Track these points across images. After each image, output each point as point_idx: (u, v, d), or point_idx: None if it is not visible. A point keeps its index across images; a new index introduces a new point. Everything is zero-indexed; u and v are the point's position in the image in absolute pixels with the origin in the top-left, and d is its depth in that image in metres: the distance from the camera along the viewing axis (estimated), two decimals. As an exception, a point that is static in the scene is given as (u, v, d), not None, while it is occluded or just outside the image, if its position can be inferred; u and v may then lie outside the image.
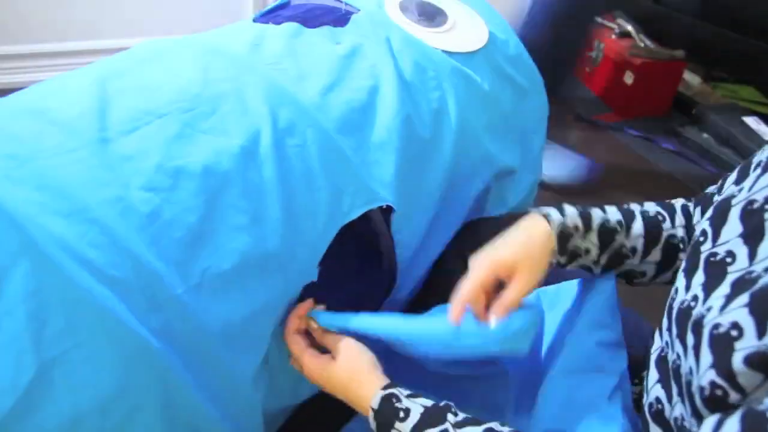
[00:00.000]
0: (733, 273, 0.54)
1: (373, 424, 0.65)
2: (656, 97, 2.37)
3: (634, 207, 0.78)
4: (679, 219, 0.77)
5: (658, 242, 0.75)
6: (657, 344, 0.65)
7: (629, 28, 2.41)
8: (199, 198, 0.64)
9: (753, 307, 0.48)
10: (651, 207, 0.78)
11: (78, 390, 0.55)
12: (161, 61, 0.76)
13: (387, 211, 0.82)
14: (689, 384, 0.52)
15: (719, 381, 0.48)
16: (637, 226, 0.75)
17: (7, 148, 0.59)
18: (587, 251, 0.75)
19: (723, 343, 0.48)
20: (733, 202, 0.59)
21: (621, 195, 1.92)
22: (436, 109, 0.88)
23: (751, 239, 0.54)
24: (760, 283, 0.50)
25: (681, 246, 0.75)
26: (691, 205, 0.78)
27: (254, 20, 0.94)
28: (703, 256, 0.58)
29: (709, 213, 0.62)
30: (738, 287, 0.52)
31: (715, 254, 0.57)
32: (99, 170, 0.60)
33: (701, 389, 0.49)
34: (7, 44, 2.04)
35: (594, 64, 2.50)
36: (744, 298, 0.50)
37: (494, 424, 0.61)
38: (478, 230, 0.96)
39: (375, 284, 0.93)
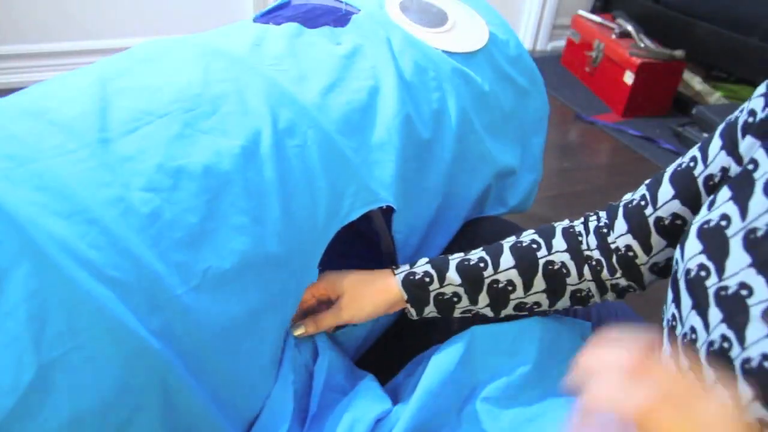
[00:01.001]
0: (756, 306, 0.51)
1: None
2: (656, 97, 2.37)
3: (507, 240, 0.77)
4: (558, 244, 0.75)
5: (536, 271, 0.74)
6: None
7: (629, 28, 2.41)
8: (200, 198, 0.64)
9: None
10: (527, 236, 0.77)
11: (78, 391, 0.55)
12: (162, 61, 0.75)
13: (387, 212, 0.82)
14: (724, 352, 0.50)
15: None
16: (506, 259, 0.74)
17: (7, 148, 0.59)
18: (457, 296, 0.75)
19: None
20: (728, 233, 0.56)
21: (621, 195, 1.92)
22: (436, 109, 0.88)
23: (765, 268, 0.52)
24: None
25: (564, 271, 0.74)
26: (579, 224, 0.76)
27: (254, 20, 0.94)
28: (711, 291, 0.55)
29: (698, 246, 0.58)
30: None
31: (725, 288, 0.54)
32: (99, 171, 0.60)
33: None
34: (7, 44, 2.04)
35: (594, 64, 2.50)
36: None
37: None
38: (478, 230, 0.96)
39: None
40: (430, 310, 0.77)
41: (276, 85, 0.75)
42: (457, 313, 0.77)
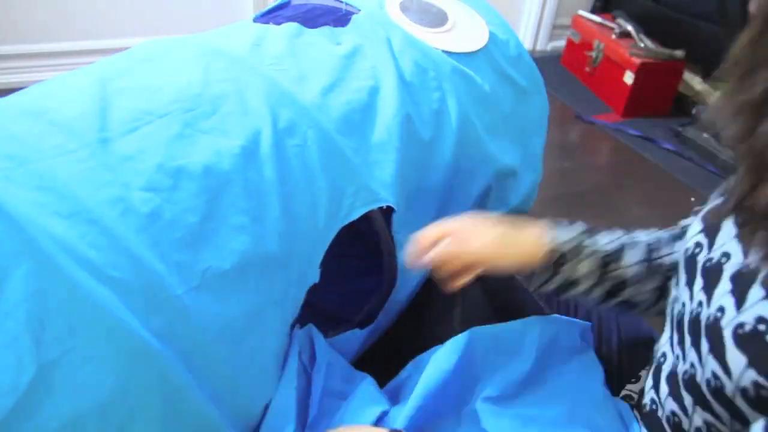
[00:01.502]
0: (729, 269, 0.53)
1: None
2: (656, 97, 2.37)
3: (639, 235, 0.76)
4: (677, 244, 0.74)
5: (654, 270, 0.73)
6: (669, 359, 0.64)
7: (629, 28, 2.41)
8: (200, 198, 0.64)
9: None
10: (654, 234, 0.76)
11: (78, 391, 0.54)
12: (162, 61, 0.75)
13: (388, 212, 0.82)
14: (717, 390, 0.51)
15: (762, 380, 0.47)
16: (635, 255, 0.73)
17: (8, 148, 0.59)
18: (577, 281, 0.74)
19: (754, 341, 0.47)
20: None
21: (621, 195, 1.92)
22: (436, 109, 0.88)
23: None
24: (764, 272, 0.49)
25: (669, 273, 0.73)
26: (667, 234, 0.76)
27: (254, 20, 0.94)
28: (699, 265, 0.58)
29: (698, 226, 0.61)
30: (740, 281, 0.51)
31: (710, 259, 0.56)
32: (99, 171, 0.60)
33: (743, 390, 0.48)
34: (7, 44, 2.04)
35: (594, 64, 2.50)
36: (757, 291, 0.48)
37: None
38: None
39: (376, 284, 0.93)
40: (554, 285, 0.75)
41: (276, 85, 0.74)
42: (571, 293, 0.75)
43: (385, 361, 0.87)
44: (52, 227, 0.55)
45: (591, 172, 2.06)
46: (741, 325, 0.49)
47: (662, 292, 0.73)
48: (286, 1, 1.02)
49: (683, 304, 0.60)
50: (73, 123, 0.63)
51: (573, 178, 1.99)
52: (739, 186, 0.39)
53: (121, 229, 0.58)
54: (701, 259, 0.58)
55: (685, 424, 0.58)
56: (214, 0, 2.22)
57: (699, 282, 0.57)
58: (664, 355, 0.64)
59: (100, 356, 0.55)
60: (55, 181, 0.58)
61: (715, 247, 0.57)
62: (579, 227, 0.75)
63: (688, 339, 0.56)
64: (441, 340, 0.83)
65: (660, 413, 0.62)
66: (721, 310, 0.51)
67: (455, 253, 0.72)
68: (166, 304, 0.59)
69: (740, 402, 0.49)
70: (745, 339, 0.48)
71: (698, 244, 0.60)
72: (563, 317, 0.81)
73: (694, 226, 0.62)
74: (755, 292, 0.49)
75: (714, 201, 0.62)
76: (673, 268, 0.71)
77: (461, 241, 0.72)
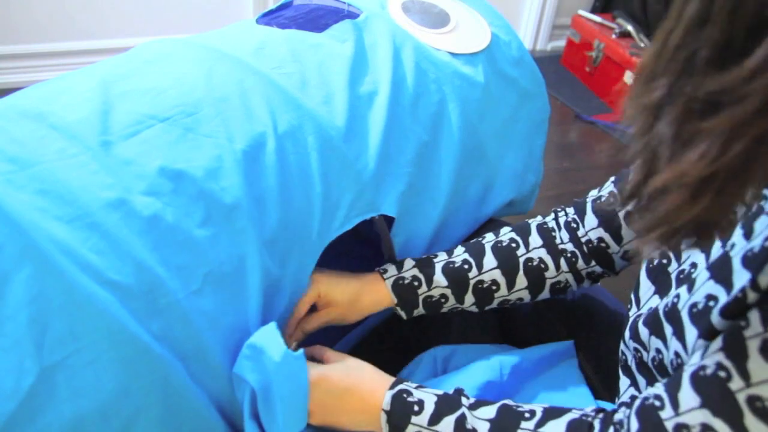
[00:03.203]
0: (695, 275, 0.57)
1: (385, 429, 0.64)
2: (656, 97, 2.37)
3: (486, 240, 0.81)
4: (535, 240, 0.79)
5: (518, 270, 0.78)
6: (628, 353, 0.66)
7: (629, 28, 2.41)
8: (201, 202, 0.63)
9: (714, 274, 0.52)
10: (505, 235, 0.81)
11: (79, 394, 0.55)
12: (164, 63, 0.75)
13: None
14: (678, 367, 0.54)
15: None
16: (489, 260, 0.78)
17: (9, 152, 0.59)
18: (444, 297, 0.79)
19: (704, 314, 0.51)
20: None
21: (621, 195, 1.92)
22: (436, 111, 0.87)
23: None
24: (712, 258, 0.54)
25: (543, 266, 0.78)
26: (551, 220, 0.81)
27: (257, 21, 0.94)
28: (673, 276, 0.61)
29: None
30: (690, 273, 0.56)
31: (683, 270, 0.60)
32: (100, 174, 0.60)
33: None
34: (7, 44, 2.04)
35: (594, 64, 2.50)
36: (704, 273, 0.53)
37: (507, 401, 0.63)
38: (479, 232, 0.96)
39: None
40: (419, 311, 0.80)
41: (279, 89, 0.74)
42: (444, 310, 0.81)
43: (383, 362, 0.87)
44: (54, 231, 0.55)
45: (591, 172, 2.06)
46: (695, 305, 0.53)
47: (536, 288, 0.79)
48: (288, 1, 1.01)
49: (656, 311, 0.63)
50: (75, 126, 0.63)
51: (573, 178, 2.00)
52: (632, 176, 0.43)
53: (123, 233, 0.58)
54: (672, 270, 0.61)
55: None
56: (214, 0, 2.22)
57: (674, 291, 0.60)
58: (623, 353, 0.67)
59: (101, 360, 0.55)
60: (56, 185, 0.57)
61: (682, 258, 0.61)
62: (413, 259, 0.81)
63: (644, 332, 0.60)
64: (439, 340, 0.83)
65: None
66: (677, 296, 0.56)
67: (307, 330, 0.79)
68: (167, 307, 0.59)
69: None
70: (698, 314, 0.52)
71: (663, 255, 0.64)
72: (545, 346, 0.83)
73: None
74: (701, 275, 0.53)
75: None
76: (537, 263, 0.77)
77: (323, 310, 0.79)
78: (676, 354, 0.54)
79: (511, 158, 0.99)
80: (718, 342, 0.47)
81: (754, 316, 0.45)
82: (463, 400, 0.63)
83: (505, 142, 0.98)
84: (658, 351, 0.58)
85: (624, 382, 0.68)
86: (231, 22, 0.99)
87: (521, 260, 0.78)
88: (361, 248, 1.09)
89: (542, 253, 0.78)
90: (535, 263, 0.78)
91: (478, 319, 0.90)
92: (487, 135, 0.93)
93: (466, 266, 0.78)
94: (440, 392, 0.64)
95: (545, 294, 0.80)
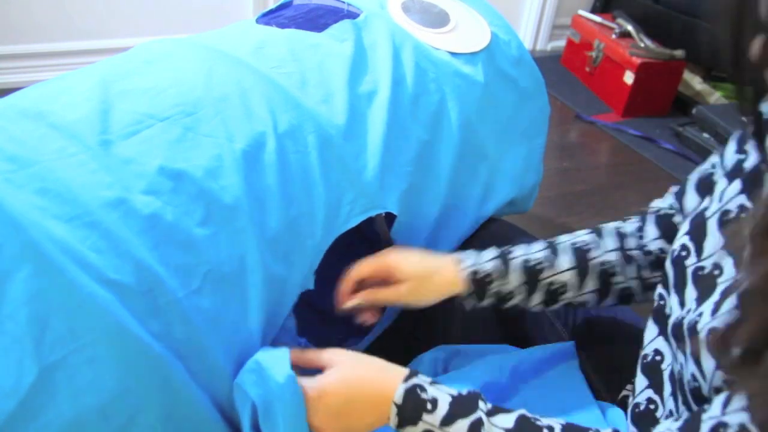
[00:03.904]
0: (722, 284, 0.54)
1: (394, 421, 0.61)
2: (656, 97, 2.37)
3: (563, 239, 0.79)
4: (610, 243, 0.77)
5: (589, 272, 0.76)
6: (667, 358, 0.65)
7: (629, 28, 2.40)
8: (200, 201, 0.64)
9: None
10: (580, 236, 0.79)
11: (79, 393, 0.55)
12: (164, 63, 0.75)
13: (390, 213, 0.82)
14: (696, 390, 0.53)
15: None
16: (564, 260, 0.76)
17: (9, 151, 0.59)
18: (515, 293, 0.76)
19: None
20: (707, 214, 0.60)
21: (621, 195, 1.92)
22: (436, 111, 0.88)
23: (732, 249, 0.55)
24: (745, 284, 0.50)
25: (614, 270, 0.76)
26: (628, 225, 0.79)
27: (257, 20, 0.94)
28: (689, 270, 0.59)
29: (686, 228, 0.63)
30: (725, 292, 0.53)
31: (702, 268, 0.57)
32: (100, 173, 0.60)
33: (717, 390, 0.50)
34: (7, 44, 2.04)
35: (594, 64, 2.50)
36: (733, 299, 0.51)
37: (524, 411, 0.60)
38: (481, 233, 0.96)
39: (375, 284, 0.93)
40: (489, 302, 0.78)
41: (279, 88, 0.74)
42: (509, 305, 0.78)
43: (387, 360, 0.87)
44: (53, 230, 0.55)
45: (591, 172, 2.06)
46: (714, 330, 0.50)
47: (603, 293, 0.77)
48: (288, 1, 1.01)
49: (671, 308, 0.61)
50: (75, 126, 0.63)
51: (573, 178, 1.99)
52: (749, 329, 0.41)
53: (122, 231, 0.58)
54: (690, 264, 0.59)
55: None
56: (214, 0, 2.22)
57: (691, 291, 0.58)
58: (658, 352, 0.65)
59: (101, 358, 0.55)
60: (56, 184, 0.58)
61: (703, 254, 0.58)
62: (493, 250, 0.78)
63: (673, 342, 0.58)
64: (443, 340, 0.83)
65: (659, 413, 0.62)
66: (700, 314, 0.53)
67: (374, 299, 0.76)
68: (167, 306, 0.59)
69: (712, 395, 0.51)
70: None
71: (684, 247, 0.61)
72: (545, 347, 0.82)
73: (683, 226, 0.63)
74: (731, 300, 0.51)
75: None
76: (609, 267, 0.75)
77: (381, 283, 0.76)
78: (693, 377, 0.52)
79: (511, 158, 0.99)
80: (742, 399, 0.45)
81: None
82: (480, 404, 0.60)
83: (505, 141, 0.98)
84: (681, 366, 0.56)
85: (641, 381, 0.66)
86: (231, 22, 0.99)
87: (594, 262, 0.76)
88: (361, 248, 1.09)
89: (614, 256, 0.76)
90: (606, 267, 0.76)
91: (480, 319, 0.90)
92: (486, 134, 0.94)
93: (543, 264, 0.76)
94: (455, 392, 0.61)
95: (611, 299, 0.78)
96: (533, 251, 0.77)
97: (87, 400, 0.55)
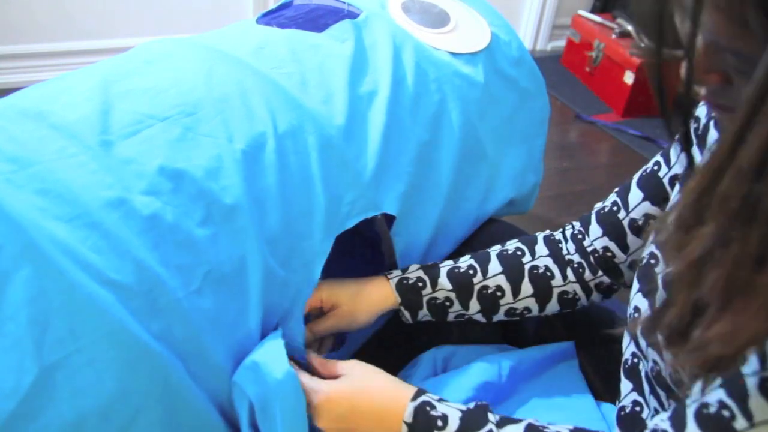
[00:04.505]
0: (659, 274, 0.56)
1: None
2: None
3: (493, 249, 0.81)
4: (541, 249, 0.79)
5: (523, 276, 0.77)
6: (642, 360, 0.65)
7: (629, 28, 2.40)
8: (200, 202, 0.64)
9: (643, 291, 0.53)
10: (511, 245, 0.81)
11: (80, 394, 0.55)
12: (165, 63, 0.75)
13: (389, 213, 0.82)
14: (679, 381, 0.53)
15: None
16: (494, 266, 0.78)
17: (9, 152, 0.59)
18: (449, 300, 0.78)
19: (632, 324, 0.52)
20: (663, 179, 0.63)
21: (621, 195, 1.92)
22: (436, 111, 0.88)
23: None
24: (669, 273, 0.51)
25: (549, 274, 0.77)
26: (558, 233, 0.81)
27: (257, 21, 0.94)
28: (660, 277, 0.59)
29: (652, 238, 0.63)
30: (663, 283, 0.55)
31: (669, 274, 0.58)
32: (100, 174, 0.60)
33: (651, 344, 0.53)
34: (7, 44, 2.04)
35: (594, 64, 2.50)
36: (636, 285, 0.53)
37: (532, 420, 0.61)
38: (482, 233, 0.96)
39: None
40: (424, 314, 0.80)
41: (279, 89, 0.74)
42: (451, 317, 0.80)
43: (385, 360, 0.87)
44: (53, 230, 0.55)
45: (591, 172, 2.06)
46: (630, 315, 0.53)
47: (543, 298, 0.78)
48: (288, 1, 1.01)
49: (638, 310, 0.62)
50: (75, 126, 0.63)
51: (573, 178, 1.99)
52: (674, 312, 0.41)
53: (122, 232, 0.58)
54: (659, 272, 0.60)
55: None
56: (214, 0, 2.22)
57: (662, 295, 0.58)
58: (635, 355, 0.66)
59: (101, 359, 0.55)
60: (56, 184, 0.58)
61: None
62: (416, 264, 0.81)
63: (642, 342, 0.59)
64: (439, 341, 0.83)
65: (645, 414, 0.63)
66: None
67: (317, 330, 0.79)
68: (167, 307, 0.59)
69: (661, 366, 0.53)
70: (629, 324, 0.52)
71: (653, 256, 0.62)
72: (545, 347, 0.82)
73: (651, 236, 0.64)
74: (635, 286, 0.54)
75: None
76: (544, 271, 0.77)
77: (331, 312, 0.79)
78: (675, 369, 0.53)
79: (511, 158, 0.99)
80: (719, 378, 0.46)
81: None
82: (489, 416, 0.60)
83: (505, 141, 0.98)
84: (655, 362, 0.57)
85: (626, 385, 0.67)
86: (231, 22, 0.99)
87: (526, 267, 0.78)
88: (361, 248, 1.09)
89: (548, 261, 0.78)
90: (540, 271, 0.77)
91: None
92: (487, 135, 0.93)
93: (471, 271, 0.78)
94: (463, 407, 0.62)
95: (554, 305, 0.79)
96: (461, 261, 0.80)
97: (87, 401, 0.55)
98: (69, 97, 0.67)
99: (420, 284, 0.78)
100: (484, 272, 0.78)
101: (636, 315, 0.65)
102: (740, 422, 0.43)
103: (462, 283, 0.78)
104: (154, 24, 2.17)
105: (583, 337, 0.85)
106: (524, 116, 1.01)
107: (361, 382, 0.66)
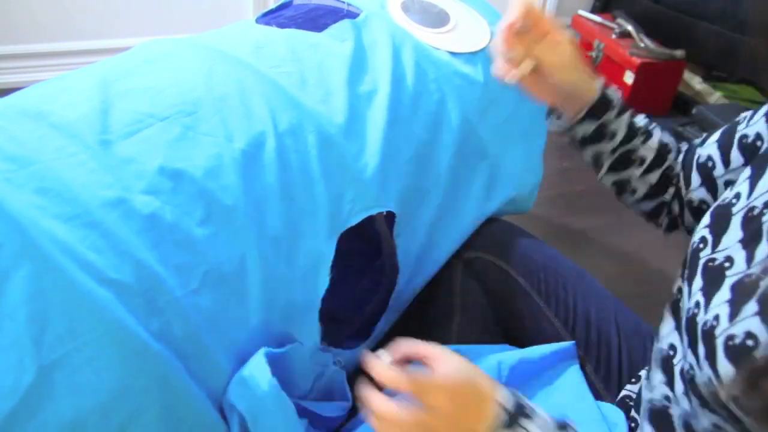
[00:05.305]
0: (731, 277, 0.53)
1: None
2: (656, 97, 2.37)
3: (658, 126, 0.81)
4: (679, 156, 0.80)
5: (662, 165, 0.79)
6: (679, 353, 0.63)
7: (629, 28, 2.40)
8: (200, 201, 0.64)
9: (764, 314, 0.48)
10: (667, 136, 0.81)
11: (79, 392, 0.55)
12: (164, 62, 0.75)
13: (390, 212, 0.82)
14: (714, 394, 0.52)
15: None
16: (654, 141, 0.79)
17: (9, 151, 0.59)
18: (612, 135, 0.79)
19: (742, 354, 0.48)
20: (734, 210, 0.59)
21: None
22: (436, 110, 0.88)
23: (750, 243, 0.54)
24: (762, 287, 0.49)
25: (673, 180, 0.79)
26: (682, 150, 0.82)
27: (257, 20, 0.94)
28: (701, 262, 0.58)
29: (706, 220, 0.62)
30: (739, 292, 0.51)
31: (713, 259, 0.57)
32: (100, 173, 0.60)
33: (735, 398, 0.49)
34: (7, 44, 2.04)
35: (594, 64, 2.50)
36: (752, 306, 0.49)
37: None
38: (482, 233, 0.96)
39: (375, 284, 0.93)
40: (586, 128, 0.79)
41: (279, 88, 0.74)
42: (591, 147, 0.81)
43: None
44: (53, 229, 0.55)
45: (591, 172, 2.05)
46: (731, 337, 0.49)
47: (657, 190, 0.80)
48: (288, 1, 1.01)
49: (681, 293, 0.61)
50: (75, 125, 0.63)
51: (573, 178, 1.99)
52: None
53: (122, 231, 0.58)
54: (703, 256, 0.58)
55: (695, 425, 0.58)
56: (214, 0, 2.22)
57: (698, 281, 0.57)
58: (672, 347, 0.63)
59: (100, 358, 0.55)
60: (56, 184, 0.58)
61: (719, 247, 0.57)
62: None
63: (686, 338, 0.57)
64: (441, 339, 0.83)
65: (672, 411, 0.62)
66: (717, 318, 0.52)
67: (536, 57, 0.73)
68: (166, 306, 0.59)
69: (733, 408, 0.49)
70: (735, 351, 0.48)
71: (703, 239, 0.60)
72: (545, 347, 0.81)
73: (704, 218, 0.63)
74: (750, 306, 0.49)
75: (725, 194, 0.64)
76: (669, 175, 0.79)
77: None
78: (710, 380, 0.51)
79: (511, 157, 0.99)
80: None
81: None
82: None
83: (504, 141, 0.98)
84: (691, 366, 0.55)
85: (656, 376, 0.64)
86: (231, 22, 0.99)
87: (668, 161, 0.79)
88: (361, 247, 1.09)
89: (678, 168, 0.79)
90: (671, 172, 0.79)
91: (479, 319, 0.90)
92: (486, 134, 0.94)
93: (641, 131, 0.79)
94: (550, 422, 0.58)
95: (655, 176, 0.80)
96: (638, 118, 0.80)
97: (86, 399, 0.55)
98: (69, 97, 0.67)
99: (611, 105, 0.77)
100: (646, 140, 0.79)
101: (671, 353, 0.62)
102: None
103: (629, 135, 0.79)
104: (154, 24, 2.17)
105: (583, 337, 0.85)
106: (524, 116, 1.01)
107: (462, 364, 0.61)
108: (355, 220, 0.75)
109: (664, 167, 0.79)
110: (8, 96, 0.69)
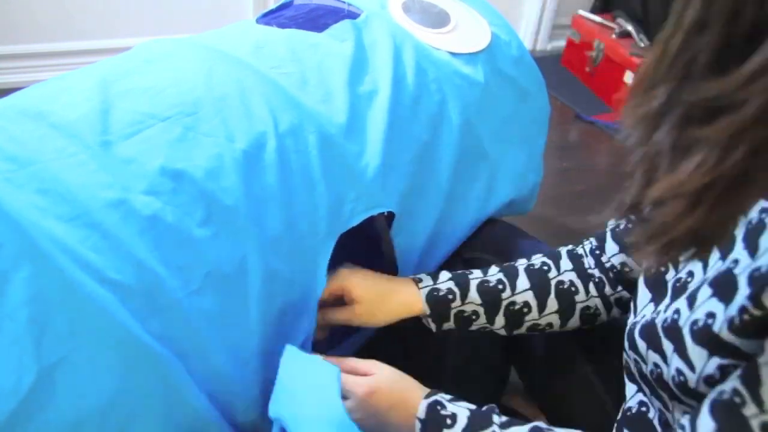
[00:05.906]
0: (692, 287, 0.56)
1: None
2: (656, 97, 2.37)
3: (519, 263, 0.80)
4: (565, 264, 0.79)
5: (549, 292, 0.77)
6: (629, 363, 0.66)
7: (629, 28, 2.41)
8: (201, 202, 0.64)
9: (717, 291, 0.50)
10: (537, 259, 0.80)
11: (79, 393, 0.55)
12: (164, 62, 0.75)
13: (390, 213, 0.82)
14: (682, 384, 0.53)
15: (726, 362, 0.49)
16: (522, 282, 0.78)
17: (9, 151, 0.59)
18: (476, 314, 0.78)
19: (705, 331, 0.50)
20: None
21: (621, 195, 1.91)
22: (436, 111, 0.88)
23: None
24: (715, 273, 0.52)
25: (573, 289, 0.78)
26: (579, 247, 0.81)
27: (257, 21, 0.94)
28: (670, 284, 0.60)
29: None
30: (694, 290, 0.54)
31: (679, 279, 0.59)
32: (100, 173, 0.60)
33: (708, 378, 0.50)
34: (7, 44, 2.04)
35: (594, 64, 2.50)
36: (706, 290, 0.52)
37: (539, 423, 0.62)
38: (482, 233, 0.96)
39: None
40: (449, 325, 0.79)
41: (279, 88, 0.74)
42: (473, 329, 0.80)
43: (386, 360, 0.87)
44: (53, 230, 0.55)
45: (591, 172, 2.06)
46: (695, 322, 0.51)
47: (566, 313, 0.78)
48: (288, 1, 1.01)
49: (643, 316, 0.62)
50: (75, 126, 0.63)
51: (573, 178, 1.99)
52: (632, 187, 0.43)
53: (123, 232, 0.58)
54: (669, 279, 0.61)
55: (671, 420, 0.59)
56: (214, 0, 2.22)
57: (668, 300, 0.59)
58: (626, 360, 0.66)
59: (100, 358, 0.55)
60: (56, 184, 0.58)
61: (680, 266, 0.60)
62: (448, 272, 0.80)
63: (642, 344, 0.59)
64: (440, 343, 0.83)
65: (651, 414, 0.63)
66: (677, 312, 0.55)
67: (329, 320, 0.79)
68: (167, 307, 0.59)
69: (704, 389, 0.51)
70: (699, 333, 0.51)
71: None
72: None
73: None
74: (704, 292, 0.52)
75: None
76: (569, 286, 0.77)
77: (335, 304, 0.79)
78: (678, 371, 0.53)
79: (511, 158, 0.99)
80: (739, 369, 0.46)
81: None
82: (494, 417, 0.62)
83: (505, 141, 0.98)
84: (656, 365, 0.57)
85: (630, 388, 0.67)
86: (231, 22, 0.99)
87: (553, 282, 0.78)
88: (361, 247, 1.09)
89: (573, 276, 0.78)
90: (566, 286, 0.77)
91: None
92: (487, 135, 0.94)
93: (500, 286, 0.77)
94: (473, 407, 0.64)
95: (575, 320, 0.79)
96: (490, 274, 0.79)
97: (87, 400, 0.55)
98: (69, 97, 0.67)
99: (450, 296, 0.77)
100: (513, 287, 0.77)
101: (642, 323, 0.64)
102: (750, 408, 0.43)
103: (491, 297, 0.77)
104: (154, 24, 2.17)
105: (584, 338, 0.85)
106: (524, 116, 1.01)
107: (395, 381, 0.68)
108: (356, 221, 0.75)
109: (553, 291, 0.77)
110: (8, 96, 0.69)
